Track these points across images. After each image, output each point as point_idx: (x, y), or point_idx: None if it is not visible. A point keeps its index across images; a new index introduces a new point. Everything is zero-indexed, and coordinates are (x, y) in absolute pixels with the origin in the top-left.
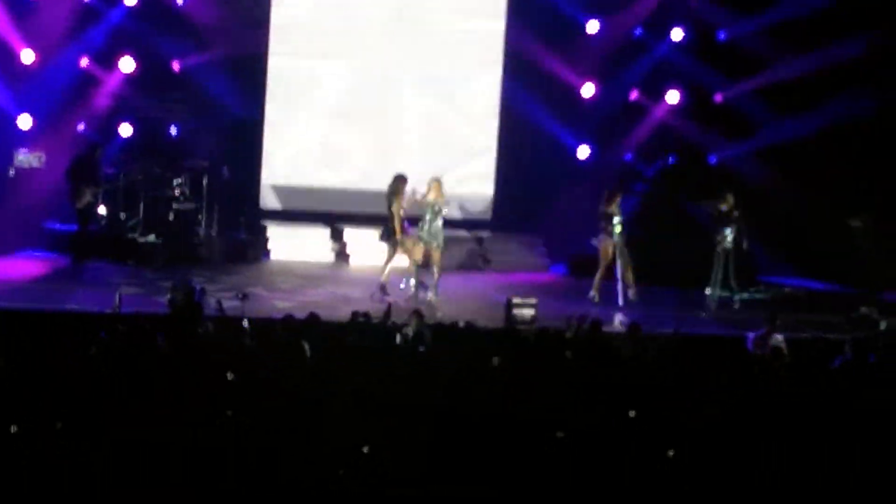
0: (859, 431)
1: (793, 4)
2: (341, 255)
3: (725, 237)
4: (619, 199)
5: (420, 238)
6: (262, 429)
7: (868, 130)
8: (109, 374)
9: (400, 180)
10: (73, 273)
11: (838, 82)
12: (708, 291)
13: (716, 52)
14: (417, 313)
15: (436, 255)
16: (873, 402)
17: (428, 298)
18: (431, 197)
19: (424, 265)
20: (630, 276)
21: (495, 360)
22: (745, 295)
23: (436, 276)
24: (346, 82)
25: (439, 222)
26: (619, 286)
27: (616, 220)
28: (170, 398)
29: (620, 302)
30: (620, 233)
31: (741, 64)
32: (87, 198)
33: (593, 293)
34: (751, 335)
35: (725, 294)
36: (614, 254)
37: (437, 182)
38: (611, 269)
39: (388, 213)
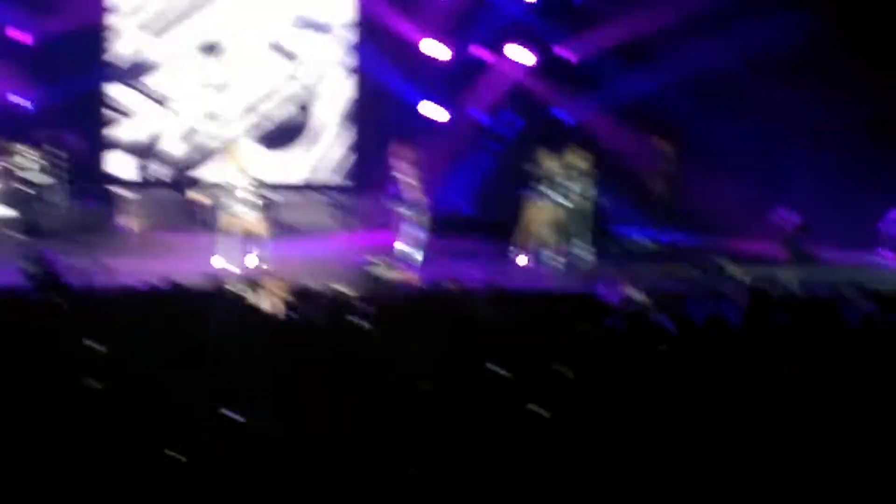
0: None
1: None
2: (193, 220)
3: (576, 192)
4: (549, 159)
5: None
6: (122, 398)
7: (720, 79)
8: None
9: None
10: None
11: (687, 32)
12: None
13: (564, 9)
14: (279, 277)
15: (252, 223)
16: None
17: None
18: (234, 161)
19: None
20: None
21: (350, 321)
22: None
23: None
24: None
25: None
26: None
27: (544, 181)
28: (29, 367)
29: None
30: (548, 195)
31: (592, 21)
32: None
33: (521, 256)
34: (603, 287)
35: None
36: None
37: (233, 145)
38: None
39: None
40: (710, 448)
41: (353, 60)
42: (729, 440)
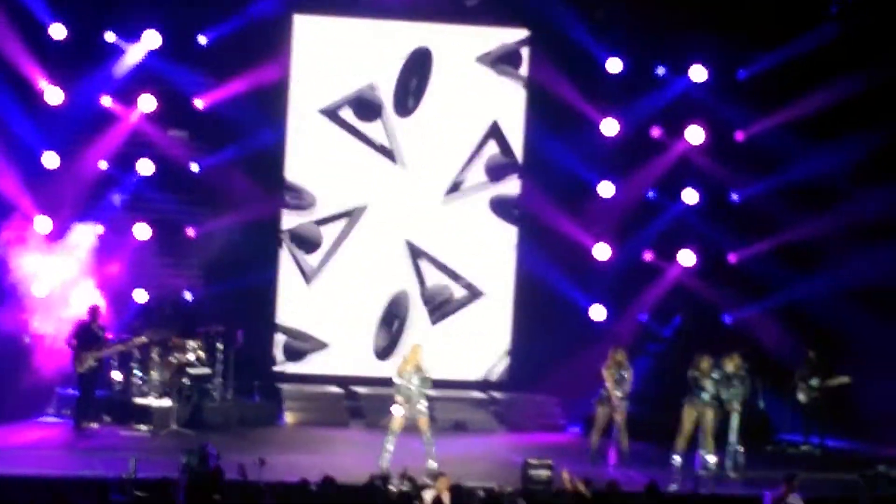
0: None
1: (806, 166)
2: (357, 417)
3: (733, 398)
4: (707, 362)
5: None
6: None
7: (881, 287)
8: None
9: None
10: (77, 439)
11: (853, 241)
12: (704, 454)
13: (729, 213)
14: (440, 476)
15: (422, 422)
16: None
17: (428, 467)
18: (411, 364)
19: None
20: (708, 444)
21: None
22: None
23: (428, 443)
24: (357, 248)
25: (419, 388)
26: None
27: (705, 384)
28: None
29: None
30: (709, 400)
31: (755, 224)
32: (89, 362)
33: (676, 458)
34: (768, 494)
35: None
36: (698, 420)
37: (417, 347)
38: (689, 436)
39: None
40: None
41: (517, 259)
42: None
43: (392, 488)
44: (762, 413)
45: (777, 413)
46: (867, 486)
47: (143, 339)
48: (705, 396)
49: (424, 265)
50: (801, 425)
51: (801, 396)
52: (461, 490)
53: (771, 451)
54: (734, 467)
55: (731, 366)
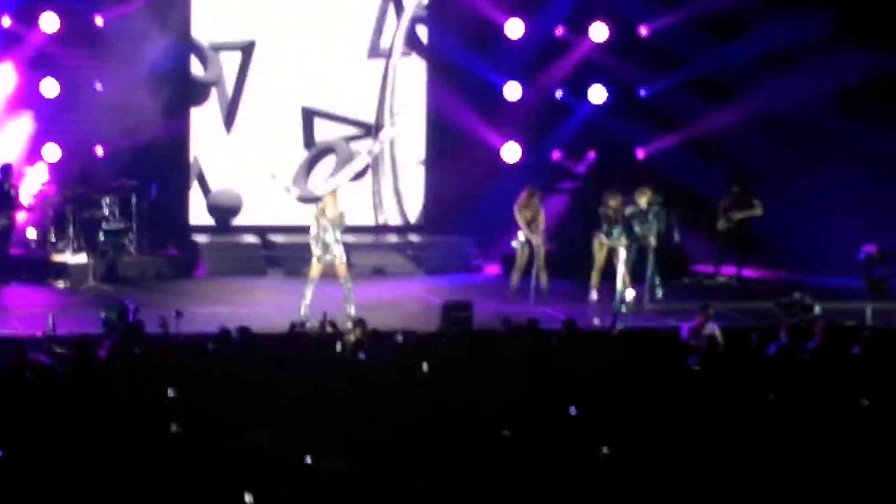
0: (798, 416)
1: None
2: (275, 265)
3: (647, 232)
4: (617, 198)
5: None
6: (204, 443)
7: (794, 118)
8: (48, 396)
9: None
10: None
11: (763, 71)
12: (620, 289)
13: (638, 47)
14: (359, 322)
15: (341, 269)
16: (810, 387)
17: (348, 312)
18: (328, 211)
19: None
20: (625, 279)
21: (425, 366)
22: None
23: (347, 288)
24: (267, 95)
25: (336, 235)
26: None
27: (617, 220)
28: (113, 416)
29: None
30: (621, 235)
31: (664, 58)
32: (2, 221)
33: (593, 293)
34: (685, 326)
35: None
36: (611, 255)
37: (331, 195)
38: (603, 270)
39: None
40: (787, 481)
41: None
42: (808, 471)
43: (312, 333)
44: (677, 246)
45: (693, 245)
46: (783, 313)
47: (57, 196)
48: (616, 232)
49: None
50: (716, 255)
51: (720, 226)
52: (381, 334)
53: (687, 283)
54: (651, 300)
55: (643, 200)
